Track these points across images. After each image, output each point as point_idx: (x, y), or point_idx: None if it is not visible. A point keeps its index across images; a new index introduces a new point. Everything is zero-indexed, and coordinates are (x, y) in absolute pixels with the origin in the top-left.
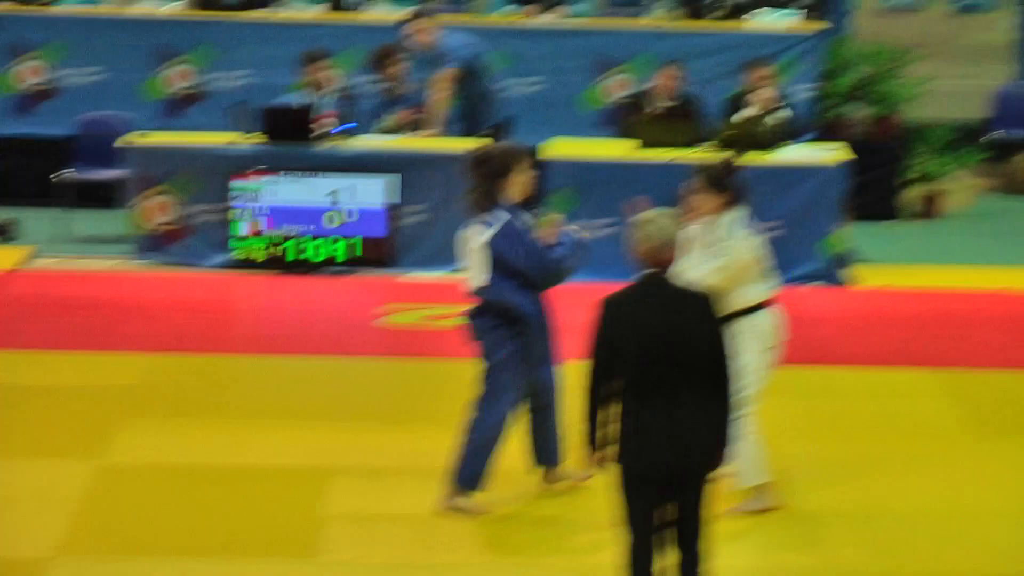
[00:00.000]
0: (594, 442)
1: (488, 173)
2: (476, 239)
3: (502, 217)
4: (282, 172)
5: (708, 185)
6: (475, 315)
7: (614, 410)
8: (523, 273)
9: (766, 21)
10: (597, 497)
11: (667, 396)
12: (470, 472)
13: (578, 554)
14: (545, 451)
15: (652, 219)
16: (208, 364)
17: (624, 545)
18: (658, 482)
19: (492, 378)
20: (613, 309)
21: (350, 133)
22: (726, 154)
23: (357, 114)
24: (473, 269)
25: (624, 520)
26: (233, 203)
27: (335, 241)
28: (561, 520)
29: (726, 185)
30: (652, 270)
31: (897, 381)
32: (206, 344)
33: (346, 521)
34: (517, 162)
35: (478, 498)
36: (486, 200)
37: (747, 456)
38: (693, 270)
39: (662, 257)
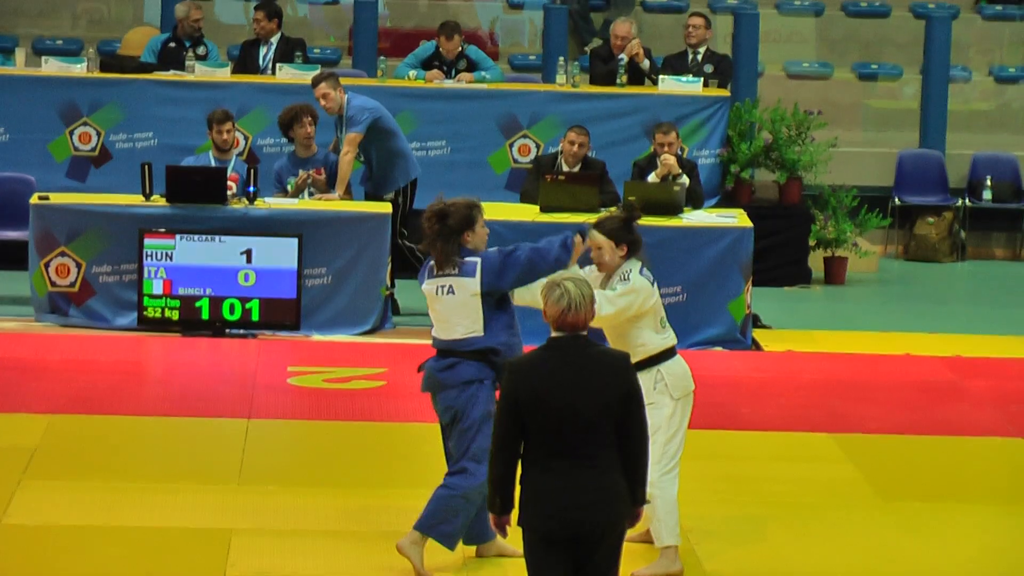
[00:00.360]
0: (498, 506)
1: (452, 227)
2: (462, 291)
3: (474, 259)
4: (183, 235)
5: (606, 236)
6: (444, 368)
7: (518, 473)
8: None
9: (672, 86)
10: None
11: (572, 458)
12: (449, 530)
13: None
14: (480, 525)
15: (560, 282)
16: (112, 425)
17: None
18: (564, 544)
19: (475, 435)
20: (517, 374)
21: (253, 195)
22: (623, 208)
23: (261, 176)
24: (452, 321)
25: None
26: (146, 261)
27: (247, 301)
28: None
29: (623, 237)
30: (559, 334)
31: (800, 445)
32: (110, 405)
33: None
34: (479, 214)
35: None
36: (450, 254)
37: (664, 515)
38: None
39: (568, 320)
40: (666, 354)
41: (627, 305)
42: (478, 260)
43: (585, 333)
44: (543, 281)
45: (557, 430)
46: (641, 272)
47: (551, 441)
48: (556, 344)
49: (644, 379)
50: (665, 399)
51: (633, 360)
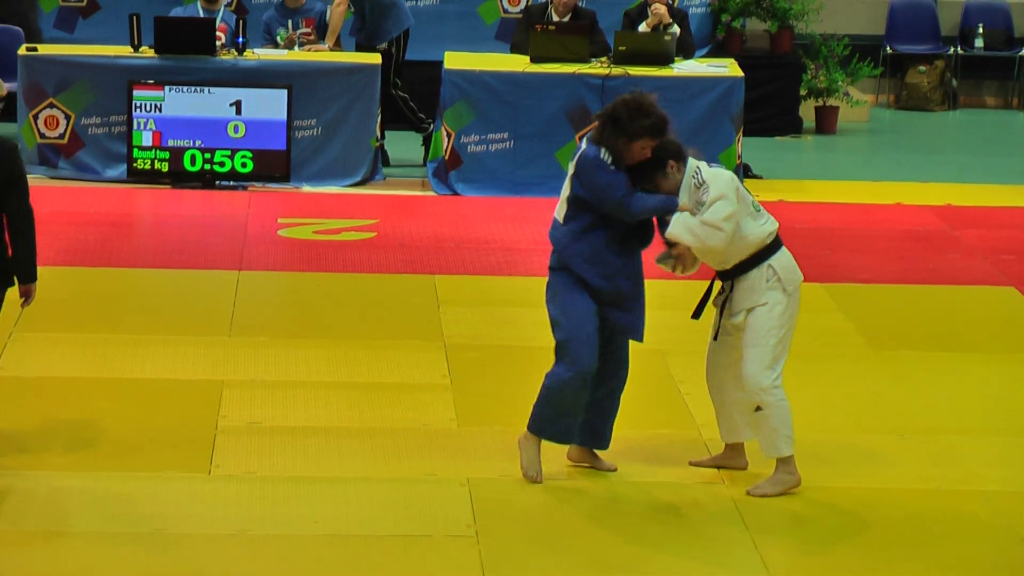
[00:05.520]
0: None
1: (626, 129)
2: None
3: (593, 149)
4: (173, 86)
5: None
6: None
7: None
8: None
9: None
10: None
11: None
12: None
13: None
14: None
15: None
16: (103, 277)
17: None
18: None
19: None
20: None
21: (242, 46)
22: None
23: (249, 27)
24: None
25: None
26: (135, 113)
27: (236, 153)
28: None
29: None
30: None
31: None
32: (101, 257)
33: (241, 434)
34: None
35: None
36: (601, 135)
37: (778, 424)
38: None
39: None
40: (773, 245)
41: (730, 214)
42: (593, 150)
43: None
44: (685, 216)
45: None
46: (711, 166)
47: None
48: None
49: (755, 277)
50: (777, 295)
51: (741, 257)
